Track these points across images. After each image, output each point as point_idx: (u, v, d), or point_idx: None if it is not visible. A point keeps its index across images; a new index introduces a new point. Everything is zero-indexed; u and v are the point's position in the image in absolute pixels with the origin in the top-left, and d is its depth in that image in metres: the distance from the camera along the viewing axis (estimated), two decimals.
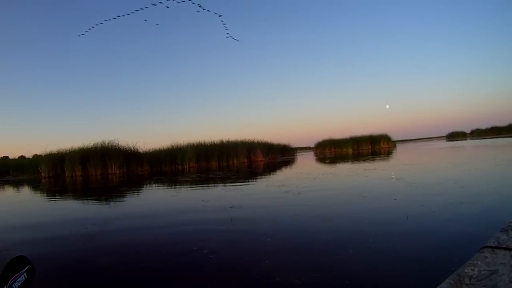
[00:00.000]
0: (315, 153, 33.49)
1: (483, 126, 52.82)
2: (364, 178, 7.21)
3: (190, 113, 57.37)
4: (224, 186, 8.15)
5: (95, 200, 7.46)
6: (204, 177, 11.52)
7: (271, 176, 10.37)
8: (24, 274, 1.51)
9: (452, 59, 65.67)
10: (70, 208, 6.20)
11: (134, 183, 11.56)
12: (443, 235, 2.67)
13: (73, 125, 45.25)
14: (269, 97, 69.55)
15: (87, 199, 7.72)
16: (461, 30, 60.97)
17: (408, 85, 71.51)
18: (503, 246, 1.12)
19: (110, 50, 54.68)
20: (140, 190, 8.90)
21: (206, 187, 8.44)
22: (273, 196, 5.59)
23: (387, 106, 56.59)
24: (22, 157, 26.08)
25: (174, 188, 8.79)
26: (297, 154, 34.36)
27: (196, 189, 8.24)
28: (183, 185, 9.36)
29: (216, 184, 8.77)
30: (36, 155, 19.82)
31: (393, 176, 7.13)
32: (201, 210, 4.68)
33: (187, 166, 20.73)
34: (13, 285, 1.42)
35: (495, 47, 61.61)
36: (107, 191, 9.26)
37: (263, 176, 10.50)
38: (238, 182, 8.73)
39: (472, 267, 0.99)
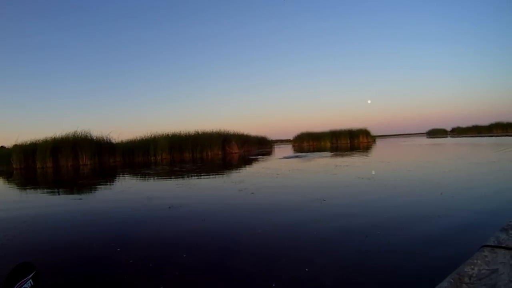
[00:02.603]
0: (293, 146, 33.22)
1: (464, 125, 53.44)
2: (332, 176, 6.61)
3: (169, 104, 56.34)
4: (181, 180, 7.60)
5: (44, 193, 6.93)
6: (169, 170, 10.94)
7: (236, 170, 9.84)
8: (30, 280, 1.48)
9: (436, 57, 66.83)
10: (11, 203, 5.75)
11: (97, 175, 10.95)
12: (407, 266, 1.98)
13: (51, 115, 43.50)
14: (250, 89, 68.91)
15: (36, 193, 7.14)
16: (446, 27, 61.91)
17: (389, 80, 72.42)
18: (503, 245, 1.12)
19: (87, 41, 52.48)
20: (96, 183, 8.30)
21: (162, 181, 7.90)
22: (223, 195, 5.09)
23: (369, 101, 57.37)
24: (2, 147, 24.88)
25: (131, 181, 8.24)
26: (275, 146, 34.23)
27: (151, 183, 7.70)
28: (143, 178, 8.84)
29: (174, 178, 8.21)
30: (16, 145, 18.93)
31: (364, 176, 6.31)
32: (137, 210, 4.25)
33: (159, 157, 20.15)
34: None
35: (482, 47, 62.81)
36: (63, 184, 8.64)
37: (228, 170, 9.98)
38: (198, 176, 8.22)
39: (472, 266, 0.98)
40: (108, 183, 8.27)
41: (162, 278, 2.00)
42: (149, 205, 4.52)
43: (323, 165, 9.70)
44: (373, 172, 7.11)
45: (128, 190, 6.38)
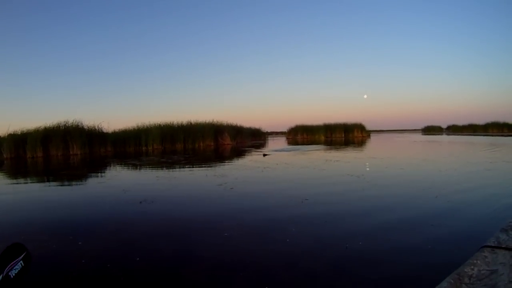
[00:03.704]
0: (287, 139, 32.94)
1: (460, 123, 52.55)
2: (319, 172, 6.30)
3: (165, 95, 55.42)
4: (164, 172, 7.41)
5: (22, 184, 6.70)
6: (156, 161, 10.70)
7: (224, 162, 9.64)
8: (21, 261, 1.48)
9: (435, 54, 66.06)
10: None
11: (84, 165, 10.67)
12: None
13: (44, 105, 42.61)
14: (247, 81, 68.19)
15: (15, 183, 6.92)
16: (445, 24, 61.27)
17: (387, 76, 72.07)
18: (503, 246, 1.11)
19: (82, 28, 51.23)
20: (79, 174, 8.07)
21: (145, 173, 7.70)
22: (200, 189, 4.88)
23: (365, 96, 57.24)
24: None
25: (114, 172, 8.01)
26: (270, 138, 34.04)
27: (133, 174, 7.54)
28: (127, 169, 8.65)
29: (158, 169, 8.02)
30: (10, 134, 18.61)
31: (354, 173, 5.93)
32: (108, 204, 4.12)
33: (151, 147, 19.91)
34: (9, 273, 1.39)
35: (481, 46, 61.91)
36: (45, 174, 8.43)
37: (215, 162, 9.78)
38: (182, 168, 8.03)
39: (472, 267, 0.98)
40: (91, 174, 8.02)
41: (107, 282, 1.86)
42: (122, 199, 4.33)
43: (313, 159, 9.42)
44: (364, 170, 6.84)
45: (107, 182, 6.18)
